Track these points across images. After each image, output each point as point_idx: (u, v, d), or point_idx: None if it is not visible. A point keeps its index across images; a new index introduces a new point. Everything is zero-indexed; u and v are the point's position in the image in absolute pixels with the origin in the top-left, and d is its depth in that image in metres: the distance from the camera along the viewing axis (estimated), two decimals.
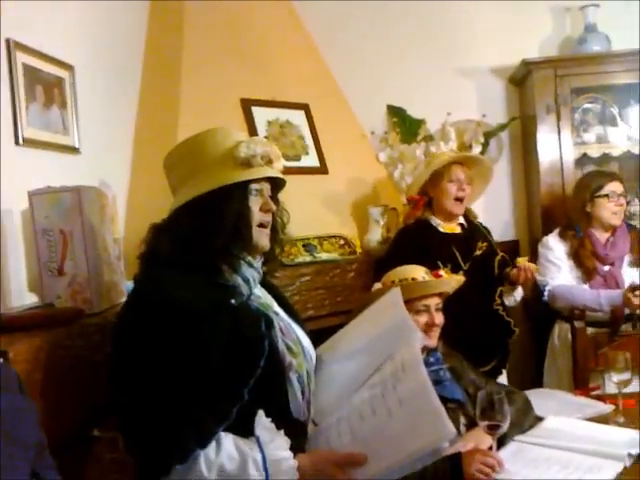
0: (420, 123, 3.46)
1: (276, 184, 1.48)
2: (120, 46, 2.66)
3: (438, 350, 2.04)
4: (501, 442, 1.84)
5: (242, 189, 1.38)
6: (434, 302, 2.04)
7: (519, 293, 2.69)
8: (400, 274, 2.11)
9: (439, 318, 2.03)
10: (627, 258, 2.78)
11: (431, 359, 1.99)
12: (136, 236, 2.32)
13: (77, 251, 1.72)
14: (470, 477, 1.69)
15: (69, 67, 2.21)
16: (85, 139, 2.27)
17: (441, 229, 2.71)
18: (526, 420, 1.98)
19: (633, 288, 2.57)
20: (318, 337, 1.64)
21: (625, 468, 1.67)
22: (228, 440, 1.24)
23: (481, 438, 1.81)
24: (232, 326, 1.29)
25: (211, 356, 1.25)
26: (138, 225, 2.48)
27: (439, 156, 2.77)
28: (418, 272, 2.12)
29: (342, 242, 2.91)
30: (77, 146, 2.23)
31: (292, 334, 1.44)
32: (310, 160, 3.07)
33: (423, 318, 2.00)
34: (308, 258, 2.73)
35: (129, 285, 1.99)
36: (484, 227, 2.83)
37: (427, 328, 1.99)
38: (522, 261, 2.57)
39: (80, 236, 1.72)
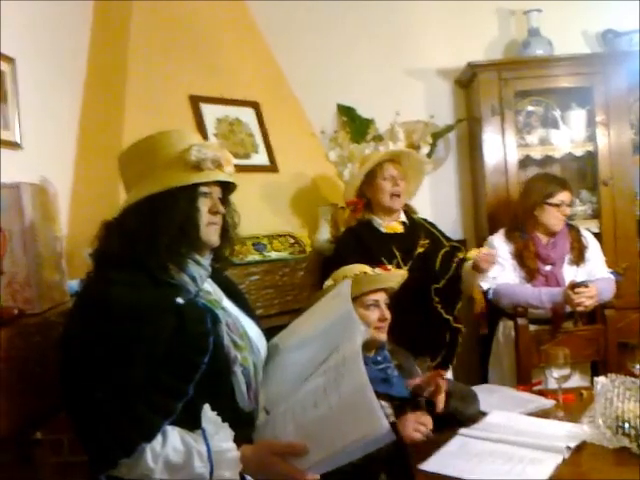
0: (369, 123, 3.49)
1: (227, 187, 1.53)
2: (64, 39, 2.59)
3: (385, 348, 2.07)
4: (445, 420, 1.92)
5: (191, 191, 1.42)
6: (383, 297, 2.08)
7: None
8: (351, 270, 2.13)
9: (388, 313, 2.07)
10: (567, 257, 2.86)
11: (379, 357, 2.02)
12: (79, 234, 2.30)
13: (16, 249, 1.67)
14: (410, 438, 1.77)
15: (10, 60, 2.14)
16: (27, 134, 2.20)
17: (382, 229, 2.75)
18: (470, 400, 2.04)
19: (573, 286, 2.65)
20: (267, 336, 1.64)
21: (564, 460, 1.73)
22: (174, 433, 1.28)
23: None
24: (177, 324, 1.32)
25: (155, 355, 1.29)
26: (82, 223, 2.45)
27: (371, 156, 2.80)
28: (367, 268, 2.15)
29: (292, 241, 2.91)
30: (18, 141, 2.16)
31: (239, 328, 1.47)
32: (260, 158, 3.05)
33: (374, 313, 2.03)
34: (257, 257, 2.72)
35: (72, 284, 1.94)
36: (429, 223, 2.87)
37: (379, 323, 2.03)
38: (472, 256, 2.60)
39: (19, 234, 1.67)
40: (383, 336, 2.04)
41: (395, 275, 2.19)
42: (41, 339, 1.64)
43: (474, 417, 2.03)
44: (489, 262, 2.57)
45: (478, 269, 2.57)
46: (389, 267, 2.24)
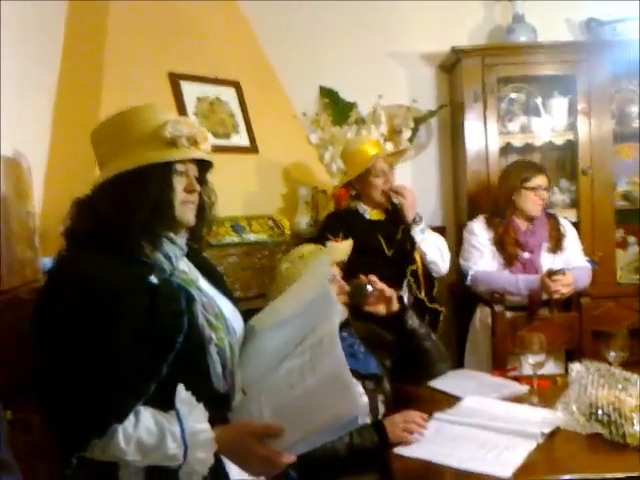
0: (351, 106, 3.46)
1: (203, 165, 1.50)
2: (41, 14, 2.53)
3: (351, 324, 2.07)
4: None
5: (166, 169, 1.39)
6: (337, 271, 2.06)
7: (429, 235, 2.76)
8: (307, 247, 2.11)
9: (345, 284, 2.05)
10: (545, 245, 2.87)
11: (344, 334, 2.01)
12: (54, 210, 2.25)
13: None
14: (398, 439, 1.76)
15: None
16: (1, 109, 2.13)
17: (367, 216, 2.76)
18: (442, 357, 2.10)
19: (550, 273, 2.66)
20: (244, 318, 1.62)
21: (538, 445, 1.74)
22: (147, 414, 1.27)
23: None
24: (150, 303, 1.30)
25: (128, 334, 1.27)
26: (56, 199, 2.41)
27: (362, 150, 2.77)
28: (318, 246, 2.15)
29: (271, 223, 2.89)
30: None
31: (214, 308, 1.45)
32: (240, 139, 3.01)
33: (335, 287, 2.01)
34: (236, 239, 2.69)
35: (45, 261, 1.91)
36: None
37: (341, 297, 2.01)
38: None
39: None
40: (345, 311, 2.03)
41: (347, 246, 2.18)
42: (12, 316, 1.61)
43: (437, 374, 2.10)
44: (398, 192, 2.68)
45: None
46: (338, 240, 2.24)
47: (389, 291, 2.00)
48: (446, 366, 2.12)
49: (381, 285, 2.00)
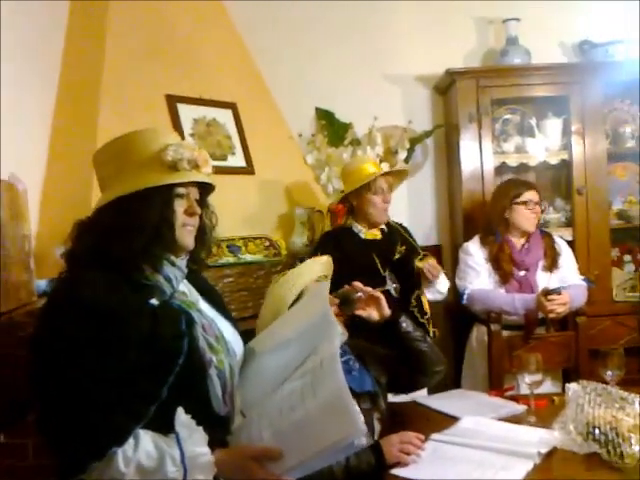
0: (347, 127, 3.48)
1: (205, 188, 1.51)
2: (38, 34, 2.56)
3: (346, 341, 2.05)
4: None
5: (167, 192, 1.40)
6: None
7: (442, 284, 2.75)
8: (292, 273, 2.11)
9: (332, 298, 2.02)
10: (541, 263, 2.88)
11: (339, 351, 1.99)
12: (50, 233, 2.26)
13: None
14: (395, 460, 1.74)
15: None
16: None
17: (362, 235, 2.75)
18: (435, 361, 2.07)
19: (546, 293, 2.66)
20: (243, 340, 1.62)
21: (535, 465, 1.73)
22: (146, 437, 1.26)
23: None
24: (151, 326, 1.31)
25: (128, 357, 1.27)
26: (52, 222, 2.41)
27: (362, 168, 2.78)
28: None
29: (267, 244, 2.89)
30: None
31: (215, 330, 1.45)
32: (236, 160, 3.03)
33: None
34: (232, 259, 2.70)
35: (40, 284, 1.91)
36: (404, 227, 2.88)
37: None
38: (421, 265, 2.67)
39: None
40: (345, 333, 2.01)
41: (324, 261, 2.13)
42: (7, 339, 1.60)
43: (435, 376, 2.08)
44: (433, 274, 2.65)
45: (424, 278, 2.66)
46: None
47: (375, 292, 2.00)
48: (443, 368, 2.10)
49: (366, 288, 1.99)
